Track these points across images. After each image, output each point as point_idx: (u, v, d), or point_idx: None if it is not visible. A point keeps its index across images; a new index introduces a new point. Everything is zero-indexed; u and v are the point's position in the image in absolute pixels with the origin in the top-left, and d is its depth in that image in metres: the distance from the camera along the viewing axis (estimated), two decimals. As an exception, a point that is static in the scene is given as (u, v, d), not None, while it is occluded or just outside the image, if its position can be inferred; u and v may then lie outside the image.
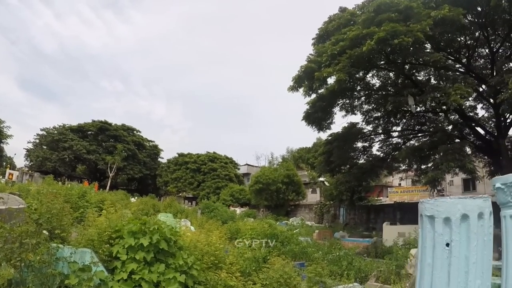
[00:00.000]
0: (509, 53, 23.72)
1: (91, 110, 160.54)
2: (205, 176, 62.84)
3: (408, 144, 30.41)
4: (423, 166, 32.15)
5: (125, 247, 6.88)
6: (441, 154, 21.31)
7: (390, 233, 22.76)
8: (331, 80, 24.40)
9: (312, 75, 21.78)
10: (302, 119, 27.33)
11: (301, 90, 24.57)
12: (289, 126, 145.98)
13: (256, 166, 71.32)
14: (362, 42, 20.45)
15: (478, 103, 28.98)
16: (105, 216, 8.28)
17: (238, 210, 46.30)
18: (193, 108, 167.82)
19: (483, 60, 26.60)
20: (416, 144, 28.69)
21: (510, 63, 23.17)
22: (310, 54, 24.05)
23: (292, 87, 24.39)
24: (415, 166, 33.08)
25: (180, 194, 61.55)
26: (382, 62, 24.53)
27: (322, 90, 25.37)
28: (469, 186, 46.38)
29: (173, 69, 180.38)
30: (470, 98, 27.63)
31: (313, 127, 28.22)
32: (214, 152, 67.97)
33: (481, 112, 29.01)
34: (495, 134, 25.81)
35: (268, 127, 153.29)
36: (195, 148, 71.07)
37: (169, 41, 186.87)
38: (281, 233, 16.56)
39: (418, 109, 29.48)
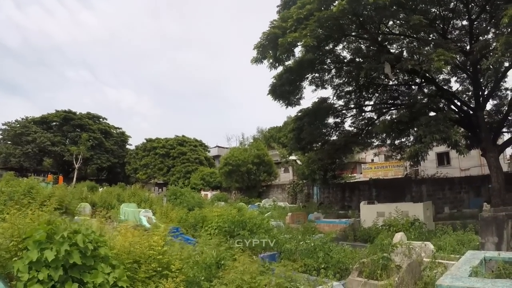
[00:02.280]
0: (487, 23, 22.25)
1: (58, 102, 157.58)
2: (174, 161, 60.68)
3: (381, 118, 29.02)
4: (397, 141, 31.98)
5: (27, 263, 5.02)
6: (423, 125, 19.66)
7: (368, 213, 21.38)
8: (299, 53, 22.89)
9: (277, 42, 19.78)
10: (268, 93, 25.42)
11: (266, 62, 22.62)
12: (259, 106, 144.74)
13: (226, 148, 69.61)
14: (332, 3, 18.75)
15: (453, 76, 28.36)
16: (10, 220, 6.24)
17: (210, 194, 45.05)
18: (162, 94, 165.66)
19: (457, 31, 25.27)
20: (391, 117, 27.21)
21: (490, 34, 21.69)
22: (273, 20, 21.80)
23: (255, 58, 22.24)
24: (389, 142, 32.38)
25: (151, 181, 59.84)
26: (353, 30, 22.79)
27: (290, 62, 23.73)
28: (443, 160, 46.11)
29: (140, 55, 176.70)
30: (444, 71, 26.80)
31: (281, 102, 26.41)
32: (183, 136, 65.75)
33: (455, 85, 28.41)
34: (473, 106, 24.95)
35: (239, 109, 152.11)
36: (167, 134, 69.88)
37: (135, 27, 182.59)
38: (250, 219, 14.78)
39: (391, 82, 28.50)
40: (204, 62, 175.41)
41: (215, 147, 74.00)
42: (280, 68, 24.19)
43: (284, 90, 24.85)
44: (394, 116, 25.16)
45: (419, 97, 24.52)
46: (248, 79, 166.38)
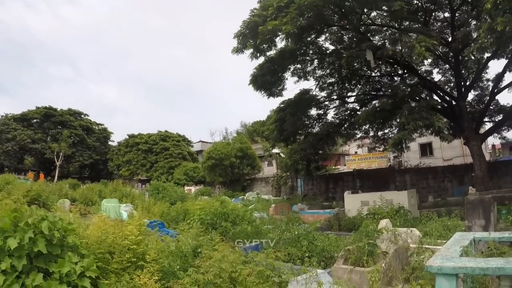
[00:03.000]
0: (468, 15, 22.27)
1: (39, 99, 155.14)
2: (157, 156, 60.06)
3: (364, 109, 28.92)
4: (380, 133, 32.39)
5: (-10, 251, 4.63)
6: (406, 113, 19.51)
7: (353, 202, 21.18)
8: (280, 44, 22.59)
9: (257, 31, 19.40)
10: (249, 84, 25.07)
11: (247, 52, 22.26)
12: (243, 101, 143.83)
13: (210, 143, 68.94)
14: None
15: (434, 68, 28.77)
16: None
17: (193, 189, 44.79)
18: (146, 90, 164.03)
19: (439, 23, 25.41)
20: (373, 107, 27.03)
21: (471, 25, 21.66)
22: (254, 9, 21.47)
23: (236, 48, 21.83)
24: (372, 133, 32.87)
25: (134, 178, 59.17)
26: (335, 20, 22.59)
27: (271, 52, 23.44)
28: (426, 151, 46.45)
29: (123, 50, 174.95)
30: (426, 62, 27.03)
31: (262, 92, 26.14)
32: (166, 131, 65.11)
33: (437, 77, 28.76)
34: (455, 96, 25.18)
35: (223, 104, 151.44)
36: (150, 129, 69.38)
37: (118, 21, 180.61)
38: (232, 211, 14.48)
39: (373, 74, 28.48)
40: (188, 57, 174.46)
41: (198, 142, 73.33)
42: (261, 59, 23.92)
43: (266, 80, 24.51)
44: (377, 105, 24.90)
45: (401, 88, 24.36)
46: (233, 74, 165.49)
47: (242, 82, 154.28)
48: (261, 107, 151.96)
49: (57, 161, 53.00)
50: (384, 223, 10.72)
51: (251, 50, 22.20)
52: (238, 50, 21.91)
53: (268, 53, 23.46)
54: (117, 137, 71.59)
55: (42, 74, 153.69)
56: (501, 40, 15.99)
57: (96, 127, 69.36)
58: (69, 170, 64.55)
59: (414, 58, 17.62)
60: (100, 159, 66.11)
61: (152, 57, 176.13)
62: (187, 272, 6.26)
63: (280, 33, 19.87)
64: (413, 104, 20.99)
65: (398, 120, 20.97)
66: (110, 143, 71.17)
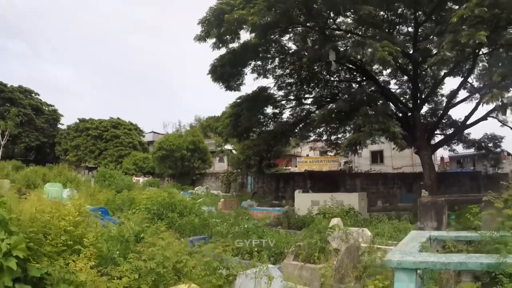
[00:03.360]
0: (431, 31, 22.97)
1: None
2: (107, 144, 58.11)
3: (320, 111, 29.03)
4: (333, 137, 32.92)
5: None
6: (363, 116, 19.58)
7: (303, 201, 21.07)
8: (244, 37, 22.26)
9: (223, 19, 18.93)
10: (208, 73, 24.52)
11: (210, 41, 21.75)
12: (200, 96, 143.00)
13: (162, 134, 67.58)
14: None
15: (392, 79, 29.59)
16: None
17: (142, 180, 43.42)
18: (102, 75, 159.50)
19: (402, 37, 25.77)
20: (331, 107, 27.15)
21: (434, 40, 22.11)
22: (221, -4, 21.10)
23: (199, 36, 21.30)
24: (325, 137, 33.18)
25: (82, 164, 57.34)
26: (302, 20, 22.45)
27: (234, 44, 23.06)
28: (377, 158, 47.23)
29: (82, 34, 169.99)
30: (384, 73, 28.12)
31: (220, 84, 25.67)
32: (118, 118, 63.03)
33: (394, 88, 29.47)
34: (410, 107, 25.82)
35: (179, 97, 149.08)
36: (102, 116, 66.83)
37: (80, 4, 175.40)
38: (180, 202, 13.99)
39: (332, 79, 29.01)
40: (148, 46, 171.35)
41: (150, 132, 71.50)
42: (223, 50, 23.51)
43: (225, 71, 24.07)
44: (334, 106, 24.95)
45: (359, 93, 24.55)
46: (191, 68, 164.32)
47: (199, 77, 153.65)
48: (217, 103, 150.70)
49: (2, 140, 50.60)
50: (335, 221, 10.49)
51: (214, 40, 21.72)
52: (200, 38, 21.38)
53: (230, 45, 23.11)
54: (68, 121, 68.96)
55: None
56: (463, 53, 16.37)
57: (46, 108, 65.76)
58: (14, 152, 60.76)
59: (376, 62, 17.62)
60: (47, 142, 63.01)
61: (112, 43, 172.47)
62: (127, 259, 5.76)
63: (245, 26, 19.49)
64: (370, 109, 21.07)
65: (354, 123, 20.94)
66: (59, 126, 67.85)
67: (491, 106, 20.76)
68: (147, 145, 63.90)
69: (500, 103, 16.97)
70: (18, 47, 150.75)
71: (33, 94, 64.94)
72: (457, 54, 16.75)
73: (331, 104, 28.50)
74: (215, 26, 20.31)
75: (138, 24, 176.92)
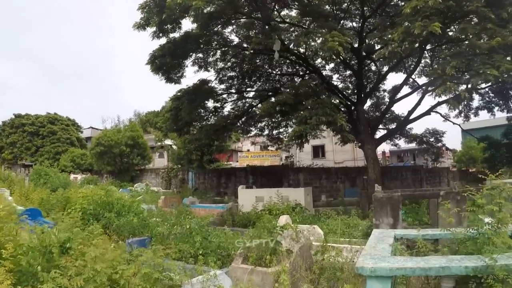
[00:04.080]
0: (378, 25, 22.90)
1: None
2: (44, 140, 55.60)
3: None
4: (275, 132, 32.60)
5: None
6: (309, 108, 19.08)
7: (247, 197, 20.38)
8: (186, 26, 21.37)
9: (165, 4, 17.82)
10: (147, 63, 23.18)
11: (149, 30, 20.59)
12: (140, 91, 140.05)
13: (101, 130, 65.58)
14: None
15: (335, 73, 29.86)
16: None
17: (79, 177, 42.03)
18: (39, 70, 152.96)
19: (347, 31, 25.50)
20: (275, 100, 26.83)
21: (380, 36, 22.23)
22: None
23: (138, 24, 20.03)
24: (267, 132, 32.77)
25: (19, 162, 54.47)
26: (246, 8, 21.84)
27: (175, 34, 22.06)
28: (318, 153, 47.56)
29: (18, 24, 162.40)
30: (327, 67, 28.97)
31: (160, 76, 24.46)
32: (55, 113, 60.30)
33: (336, 83, 29.31)
34: (354, 101, 25.89)
35: (118, 92, 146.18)
36: (40, 112, 62.89)
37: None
38: (117, 200, 12.98)
39: (274, 72, 29.46)
40: (86, 38, 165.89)
41: (88, 128, 69.75)
42: (164, 40, 22.42)
43: (165, 62, 22.89)
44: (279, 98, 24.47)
45: (303, 87, 24.21)
46: (130, 62, 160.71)
47: (139, 71, 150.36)
48: (158, 98, 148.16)
49: None
50: (284, 219, 9.87)
51: (154, 29, 20.59)
52: (140, 26, 20.10)
53: (171, 35, 22.02)
54: (5, 117, 65.17)
55: None
56: (413, 45, 16.25)
57: None
58: None
59: (326, 52, 17.05)
60: None
61: (48, 35, 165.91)
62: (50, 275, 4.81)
63: (188, 14, 18.44)
64: (315, 101, 20.66)
65: (298, 115, 20.42)
66: None
67: (435, 100, 21.11)
68: (86, 141, 61.69)
69: (453, 96, 16.95)
70: None
71: (-35, 89, 61.01)
72: (407, 46, 16.63)
73: (275, 97, 28.23)
74: (156, 13, 19.18)
75: (77, 14, 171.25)
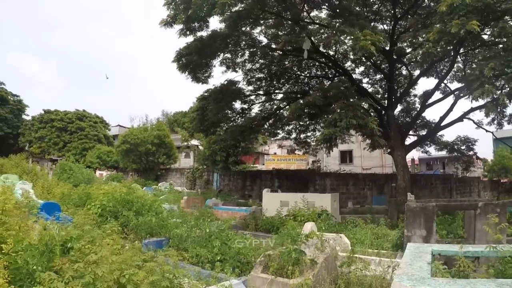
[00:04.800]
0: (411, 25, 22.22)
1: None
2: (71, 136, 56.49)
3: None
4: (302, 135, 32.22)
5: None
6: (339, 110, 18.39)
7: (271, 201, 19.79)
8: (213, 25, 20.97)
9: (191, 2, 17.44)
10: (173, 61, 22.76)
11: (176, 27, 20.23)
12: (168, 91, 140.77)
13: (128, 128, 65.95)
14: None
15: (365, 77, 29.25)
16: None
17: (105, 174, 42.48)
18: (69, 66, 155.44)
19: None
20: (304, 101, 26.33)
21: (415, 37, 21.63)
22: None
23: (165, 21, 19.63)
24: (294, 135, 32.34)
25: (46, 157, 55.25)
26: (275, 10, 21.58)
27: (203, 33, 21.71)
28: (346, 158, 46.87)
29: (49, 22, 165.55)
30: (357, 71, 28.42)
31: (187, 74, 24.07)
32: (84, 110, 61.30)
33: (365, 87, 28.50)
34: (385, 106, 25.23)
35: (147, 91, 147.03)
36: (69, 108, 63.51)
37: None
38: (138, 199, 12.62)
39: (303, 76, 28.97)
40: (117, 37, 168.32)
41: (116, 126, 70.03)
42: (191, 39, 22.07)
43: (191, 60, 22.45)
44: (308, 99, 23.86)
45: (333, 89, 23.61)
46: (161, 62, 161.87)
47: (169, 71, 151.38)
48: (186, 99, 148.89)
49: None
50: (309, 226, 9.34)
51: (181, 26, 20.22)
52: (167, 23, 19.71)
53: (198, 34, 21.64)
54: (33, 112, 66.33)
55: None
56: (449, 45, 15.51)
57: (12, 98, 63.31)
58: None
59: (358, 51, 16.31)
60: (11, 133, 60.26)
61: (79, 32, 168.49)
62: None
63: (215, 10, 18.00)
64: (346, 103, 19.99)
65: (327, 118, 19.74)
66: (24, 117, 64.85)
67: (468, 106, 20.29)
68: (113, 139, 62.38)
69: (490, 99, 16.17)
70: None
71: (-3, 84, 62.88)
72: (443, 47, 15.96)
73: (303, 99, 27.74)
74: (182, 10, 18.78)
75: (109, 13, 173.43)
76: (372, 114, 23.79)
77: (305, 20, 23.01)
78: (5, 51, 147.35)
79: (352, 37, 16.68)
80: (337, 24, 22.03)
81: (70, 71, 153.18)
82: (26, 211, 7.15)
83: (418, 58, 17.38)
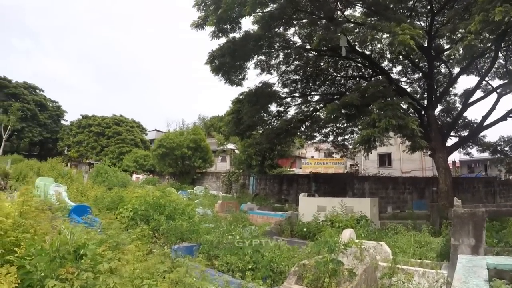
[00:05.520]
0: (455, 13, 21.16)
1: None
2: (109, 140, 57.79)
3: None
4: (340, 138, 31.86)
5: None
6: (378, 110, 17.65)
7: (308, 206, 19.15)
8: (245, 25, 20.62)
9: (221, 1, 17.14)
10: (206, 63, 22.63)
11: (208, 29, 19.99)
12: (206, 96, 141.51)
13: (165, 132, 66.60)
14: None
15: (402, 77, 28.37)
16: None
17: (141, 177, 42.71)
18: (106, 72, 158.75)
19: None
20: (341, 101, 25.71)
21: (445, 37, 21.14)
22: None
23: (196, 23, 19.45)
24: (331, 138, 31.98)
25: (84, 161, 56.44)
26: (308, 9, 21.10)
27: (235, 34, 21.46)
28: (384, 161, 45.87)
29: (86, 27, 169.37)
30: (394, 70, 27.47)
31: (220, 76, 23.87)
32: (121, 115, 62.95)
33: (403, 86, 27.51)
34: (424, 105, 24.21)
35: (184, 96, 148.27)
36: (107, 113, 64.61)
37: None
38: (170, 202, 12.31)
39: (339, 77, 28.36)
40: (154, 43, 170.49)
41: (153, 130, 71.12)
42: (224, 40, 21.82)
43: (224, 62, 22.18)
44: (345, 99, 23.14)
45: (371, 88, 22.87)
46: (198, 67, 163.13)
47: (205, 75, 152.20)
48: (223, 103, 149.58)
49: (4, 134, 49.87)
50: (347, 233, 8.78)
51: (213, 28, 19.96)
52: (198, 25, 19.55)
53: (231, 35, 21.42)
54: (71, 117, 68.01)
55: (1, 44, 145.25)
56: (492, 34, 14.62)
57: (50, 104, 65.84)
58: (19, 147, 60.77)
59: (397, 46, 15.48)
60: (50, 138, 62.90)
61: (116, 39, 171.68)
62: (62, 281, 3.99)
63: (244, 12, 17.62)
64: (385, 102, 19.22)
65: (365, 119, 19.00)
66: (63, 122, 67.78)
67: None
68: (150, 143, 63.36)
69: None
70: (24, 44, 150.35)
71: (37, 90, 64.75)
72: (487, 37, 15.20)
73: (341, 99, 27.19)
74: (213, 11, 18.47)
75: (146, 19, 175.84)
76: (412, 114, 23.01)
77: (339, 19, 22.39)
78: (44, 58, 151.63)
79: (389, 32, 15.89)
80: (372, 23, 21.45)
81: (107, 76, 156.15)
82: (49, 213, 6.87)
83: (458, 53, 16.37)
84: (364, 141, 17.21)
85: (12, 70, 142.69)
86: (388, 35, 16.23)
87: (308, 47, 23.94)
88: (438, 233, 13.51)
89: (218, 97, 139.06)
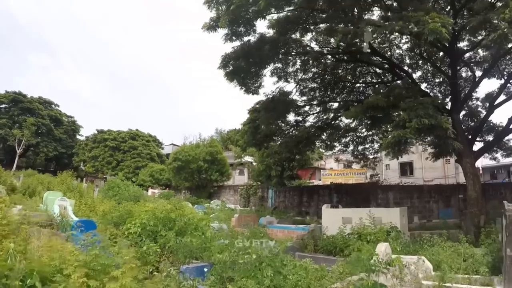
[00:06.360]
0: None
1: (14, 85, 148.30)
2: (124, 155, 57.64)
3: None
4: (360, 147, 31.10)
5: None
6: (407, 109, 16.25)
7: (332, 218, 17.81)
8: (260, 29, 19.79)
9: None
10: (219, 67, 21.55)
11: (221, 32, 19.08)
12: (223, 110, 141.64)
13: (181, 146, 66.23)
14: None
15: (423, 82, 27.01)
16: None
17: (157, 192, 41.89)
18: (123, 86, 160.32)
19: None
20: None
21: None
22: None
23: (208, 25, 18.57)
24: (351, 147, 31.29)
25: (100, 175, 56.15)
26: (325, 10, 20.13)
27: (250, 37, 20.67)
28: (406, 170, 44.76)
29: (101, 42, 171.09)
30: (414, 76, 25.63)
31: (235, 83, 22.88)
32: (137, 130, 62.89)
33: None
34: (449, 109, 22.65)
35: (201, 110, 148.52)
36: (122, 127, 64.43)
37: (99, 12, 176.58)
38: (180, 217, 11.26)
39: (358, 84, 27.53)
40: (171, 58, 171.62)
41: (170, 144, 70.51)
42: (238, 43, 20.98)
43: (239, 66, 21.20)
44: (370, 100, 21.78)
45: (397, 88, 21.66)
46: (214, 81, 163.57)
47: (223, 89, 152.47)
48: (239, 117, 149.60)
49: (18, 149, 49.72)
50: (383, 248, 7.57)
51: (226, 31, 19.09)
52: (210, 27, 18.63)
53: (245, 38, 20.56)
54: (87, 132, 68.12)
55: (19, 59, 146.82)
56: None
57: (66, 119, 66.10)
58: (35, 162, 60.95)
59: (428, 35, 13.99)
60: (65, 153, 62.84)
61: (131, 54, 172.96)
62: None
63: (258, 6, 16.61)
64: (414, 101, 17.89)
65: (395, 119, 17.67)
66: (78, 137, 68.05)
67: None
68: (166, 157, 62.55)
69: None
70: (41, 60, 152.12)
71: (52, 105, 64.89)
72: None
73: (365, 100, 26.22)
74: (225, 11, 17.48)
75: (162, 33, 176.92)
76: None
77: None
78: (63, 75, 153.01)
79: (418, 22, 14.48)
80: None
81: (124, 91, 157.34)
82: (26, 229, 5.91)
83: (490, 45, 15.06)
84: (394, 143, 15.82)
85: (28, 85, 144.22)
86: (417, 26, 14.87)
87: (325, 51, 23.01)
88: (475, 243, 12.27)
89: (236, 111, 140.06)
